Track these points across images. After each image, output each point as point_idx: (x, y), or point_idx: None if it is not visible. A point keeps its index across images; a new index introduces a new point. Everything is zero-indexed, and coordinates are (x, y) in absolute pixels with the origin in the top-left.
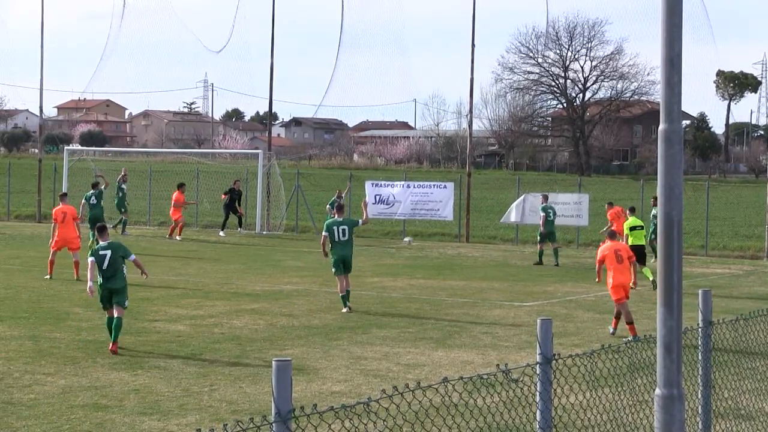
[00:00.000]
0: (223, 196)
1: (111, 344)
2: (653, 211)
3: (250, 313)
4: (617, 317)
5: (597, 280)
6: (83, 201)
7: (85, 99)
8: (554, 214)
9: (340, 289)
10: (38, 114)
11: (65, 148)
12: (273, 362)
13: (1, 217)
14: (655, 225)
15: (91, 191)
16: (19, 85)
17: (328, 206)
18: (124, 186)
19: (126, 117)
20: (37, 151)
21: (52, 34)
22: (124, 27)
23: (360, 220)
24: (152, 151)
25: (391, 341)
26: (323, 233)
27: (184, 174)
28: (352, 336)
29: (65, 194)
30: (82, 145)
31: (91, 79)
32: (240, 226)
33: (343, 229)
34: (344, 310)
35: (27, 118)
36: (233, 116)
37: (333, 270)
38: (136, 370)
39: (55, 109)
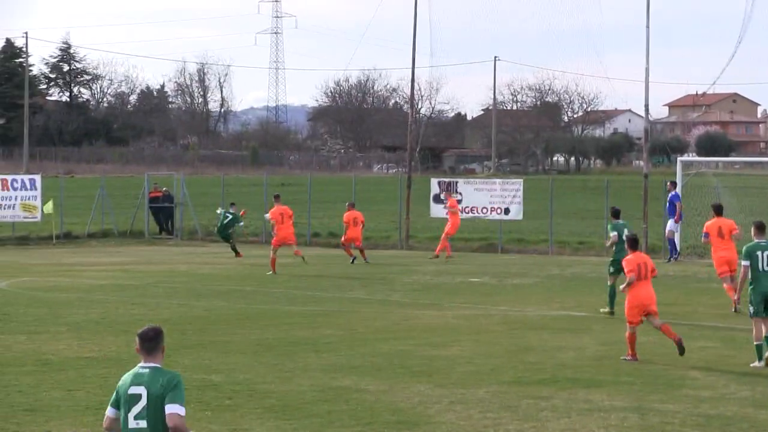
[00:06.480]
0: None
1: None
2: None
3: None
4: None
5: None
6: None
7: (704, 93)
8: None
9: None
10: (643, 115)
11: (678, 158)
12: None
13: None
14: None
15: None
16: (620, 78)
17: None
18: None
19: (758, 116)
20: (641, 163)
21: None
22: None
23: None
24: None
25: None
26: None
27: None
28: None
29: (278, 195)
30: (698, 154)
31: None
32: None
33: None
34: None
35: (630, 121)
36: None
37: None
38: None
39: (666, 108)
